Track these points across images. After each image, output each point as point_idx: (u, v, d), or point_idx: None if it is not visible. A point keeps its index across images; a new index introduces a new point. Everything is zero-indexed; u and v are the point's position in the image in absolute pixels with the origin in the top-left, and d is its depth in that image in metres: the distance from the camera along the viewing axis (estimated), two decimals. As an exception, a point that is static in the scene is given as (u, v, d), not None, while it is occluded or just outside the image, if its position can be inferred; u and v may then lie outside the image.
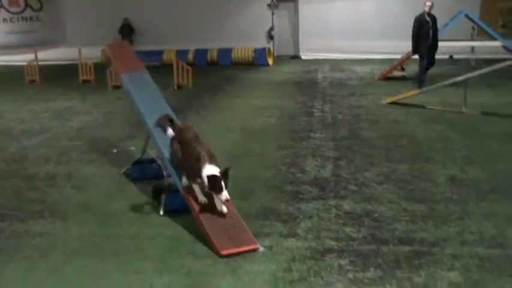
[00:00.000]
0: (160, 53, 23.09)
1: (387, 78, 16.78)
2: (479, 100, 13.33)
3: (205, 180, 5.74)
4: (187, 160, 6.06)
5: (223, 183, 5.71)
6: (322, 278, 5.05)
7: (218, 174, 5.75)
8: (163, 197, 6.65)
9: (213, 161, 5.87)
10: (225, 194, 5.69)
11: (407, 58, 16.97)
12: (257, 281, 5.02)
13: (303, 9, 23.81)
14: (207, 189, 5.84)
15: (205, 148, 6.07)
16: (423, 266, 5.28)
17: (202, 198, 6.00)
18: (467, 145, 9.42)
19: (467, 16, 16.85)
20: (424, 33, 14.76)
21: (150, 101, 7.51)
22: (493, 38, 17.04)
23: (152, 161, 7.67)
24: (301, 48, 24.20)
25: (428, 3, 14.86)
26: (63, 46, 25.78)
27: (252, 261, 5.40)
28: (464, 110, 12.03)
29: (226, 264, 5.34)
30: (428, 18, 14.81)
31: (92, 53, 21.09)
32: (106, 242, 5.93)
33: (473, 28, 16.80)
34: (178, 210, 6.40)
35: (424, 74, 14.96)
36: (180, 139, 6.33)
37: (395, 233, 5.99)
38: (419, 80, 14.89)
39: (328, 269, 5.22)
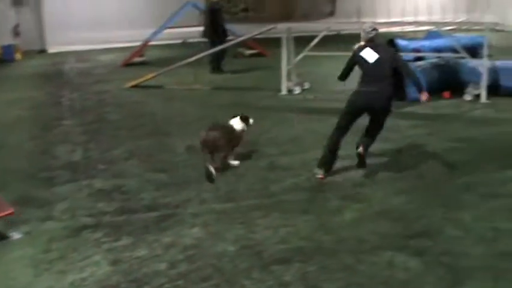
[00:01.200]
0: None
1: (129, 64, 16.65)
2: (209, 77, 13.82)
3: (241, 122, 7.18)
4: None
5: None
6: (80, 253, 4.96)
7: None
8: None
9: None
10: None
11: (145, 45, 17.00)
12: (18, 266, 4.80)
13: (47, 4, 22.67)
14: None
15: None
16: (169, 227, 5.42)
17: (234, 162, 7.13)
18: (201, 117, 9.73)
19: (194, 5, 17.20)
20: (219, 20, 14.64)
21: None
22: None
23: None
24: (48, 42, 23.13)
25: None
26: None
27: (12, 249, 5.14)
28: (197, 86, 12.39)
29: (-14, 254, 5.03)
30: (218, 7, 14.82)
31: None
32: None
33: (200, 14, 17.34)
34: None
35: (222, 58, 14.77)
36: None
37: (143, 202, 6.07)
38: (216, 65, 14.66)
39: (85, 243, 5.15)
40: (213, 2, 14.88)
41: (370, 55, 6.69)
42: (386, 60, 6.68)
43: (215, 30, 14.47)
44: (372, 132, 6.85)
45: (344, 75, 7.04)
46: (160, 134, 8.69)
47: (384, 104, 6.67)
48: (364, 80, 6.72)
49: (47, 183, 6.80)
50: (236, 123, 7.16)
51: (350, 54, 6.94)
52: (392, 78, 6.70)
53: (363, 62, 6.71)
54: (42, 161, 7.70)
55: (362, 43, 6.91)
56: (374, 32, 6.86)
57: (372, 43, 6.81)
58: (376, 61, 6.65)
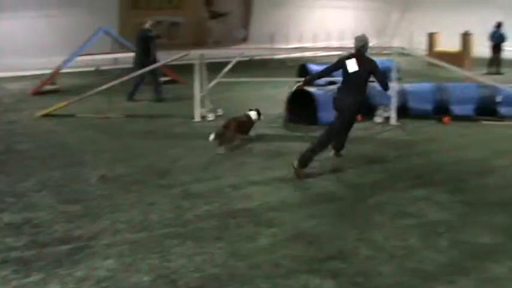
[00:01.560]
0: None
1: (40, 92, 16.21)
2: (124, 105, 13.64)
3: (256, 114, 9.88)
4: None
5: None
6: (-15, 292, 4.78)
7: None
8: None
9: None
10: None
11: (56, 72, 16.63)
12: None
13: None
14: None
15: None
16: (82, 259, 5.29)
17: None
18: (114, 146, 9.61)
19: (106, 32, 17.04)
20: (152, 47, 14.37)
21: None
22: (132, 50, 17.01)
23: None
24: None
25: (150, 22, 14.61)
26: None
27: None
28: (110, 114, 12.22)
29: None
30: (151, 34, 14.49)
31: None
32: None
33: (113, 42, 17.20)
34: None
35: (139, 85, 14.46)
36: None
37: (54, 235, 5.89)
38: (133, 92, 14.41)
39: (-8, 281, 4.95)
40: (146, 29, 14.61)
41: (351, 65, 7.70)
42: (363, 74, 7.72)
43: (147, 58, 14.20)
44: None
45: (321, 73, 8.48)
46: (73, 164, 8.48)
47: (347, 107, 7.77)
48: (341, 86, 8.00)
49: None
50: (253, 115, 9.76)
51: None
52: (363, 90, 7.84)
53: (345, 69, 7.76)
54: None
55: (352, 51, 7.90)
56: (362, 43, 7.84)
57: (359, 54, 7.80)
58: (353, 72, 7.69)
